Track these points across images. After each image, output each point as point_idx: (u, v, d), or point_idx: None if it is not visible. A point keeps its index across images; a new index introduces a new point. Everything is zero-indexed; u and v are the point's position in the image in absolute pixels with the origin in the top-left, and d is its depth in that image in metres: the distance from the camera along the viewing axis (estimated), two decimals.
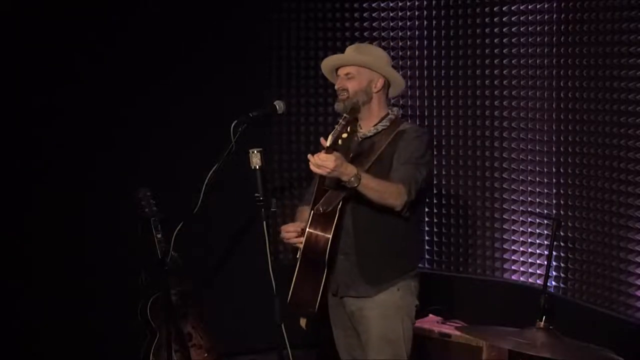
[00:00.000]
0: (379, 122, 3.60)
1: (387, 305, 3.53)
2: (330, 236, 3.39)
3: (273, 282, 3.44)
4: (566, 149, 4.49)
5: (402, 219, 3.50)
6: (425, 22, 5.16)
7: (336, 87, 3.62)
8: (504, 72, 4.81)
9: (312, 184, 3.77)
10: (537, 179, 4.71)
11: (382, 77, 3.60)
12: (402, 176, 3.44)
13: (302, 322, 3.69)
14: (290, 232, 3.55)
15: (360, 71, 3.58)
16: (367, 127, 3.60)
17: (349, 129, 3.27)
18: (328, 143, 3.21)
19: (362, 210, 3.48)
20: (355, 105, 3.54)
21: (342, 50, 3.80)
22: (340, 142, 3.23)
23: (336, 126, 3.28)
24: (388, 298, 3.53)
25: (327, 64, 3.69)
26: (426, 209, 5.15)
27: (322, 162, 3.20)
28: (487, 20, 4.86)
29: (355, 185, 3.27)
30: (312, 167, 3.24)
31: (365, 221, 3.50)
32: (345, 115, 3.29)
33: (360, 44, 3.89)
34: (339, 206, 3.43)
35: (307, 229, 3.42)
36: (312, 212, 3.44)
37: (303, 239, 3.44)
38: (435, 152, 5.13)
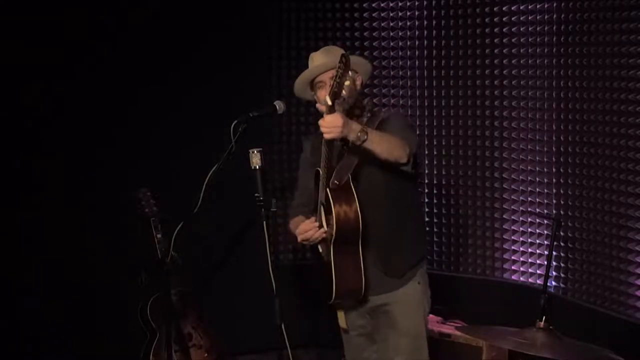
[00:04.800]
0: (362, 116, 3.54)
1: (410, 300, 3.55)
2: (357, 205, 3.34)
3: (273, 282, 3.44)
4: (566, 149, 4.49)
5: (406, 208, 3.50)
6: (425, 22, 5.16)
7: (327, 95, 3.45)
8: (504, 72, 4.81)
9: (297, 194, 3.76)
10: (537, 179, 4.71)
11: (358, 74, 3.51)
12: (400, 134, 3.38)
13: (341, 322, 3.66)
14: (309, 230, 3.45)
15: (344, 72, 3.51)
16: None
17: (342, 80, 3.12)
18: (329, 102, 3.12)
19: (367, 203, 3.43)
20: (351, 107, 3.43)
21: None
22: (342, 96, 3.11)
23: (330, 82, 3.16)
24: (410, 292, 3.55)
25: (311, 73, 3.53)
26: (426, 209, 5.15)
27: (331, 124, 3.12)
28: (487, 20, 4.86)
29: (365, 138, 3.18)
30: (325, 135, 3.15)
31: (372, 213, 3.45)
32: (339, 64, 3.10)
33: (324, 48, 3.73)
34: (350, 177, 3.37)
35: (333, 209, 3.32)
36: (327, 190, 3.34)
37: (333, 226, 3.33)
38: (435, 152, 5.14)
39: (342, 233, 3.36)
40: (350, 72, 3.16)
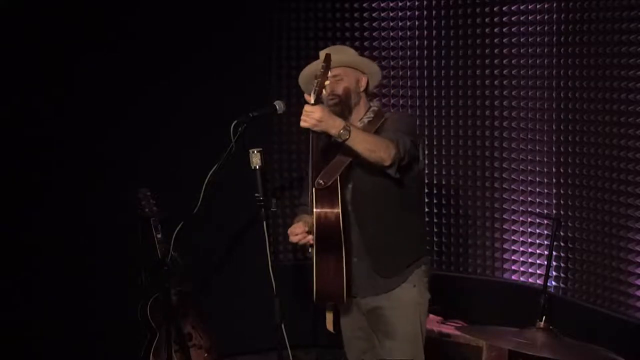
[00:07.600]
0: (364, 116, 3.55)
1: (405, 303, 3.50)
2: (339, 210, 3.29)
3: (273, 282, 3.44)
4: (566, 149, 4.49)
5: (402, 208, 3.46)
6: (425, 22, 5.16)
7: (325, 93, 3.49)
8: (504, 72, 4.82)
9: (305, 185, 3.74)
10: (537, 179, 4.71)
11: (364, 75, 3.56)
12: (390, 136, 3.35)
13: (329, 325, 3.64)
14: (298, 234, 3.49)
15: (347, 72, 3.52)
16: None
17: (323, 80, 3.18)
18: (312, 99, 3.16)
19: (362, 205, 3.44)
20: (349, 107, 3.49)
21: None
22: (324, 91, 3.18)
23: (314, 81, 3.21)
24: (405, 295, 3.50)
25: (310, 70, 3.55)
26: (426, 209, 5.15)
27: (309, 113, 3.14)
28: (487, 20, 4.86)
29: (347, 137, 3.17)
30: (302, 123, 3.17)
31: (368, 216, 3.46)
32: (322, 64, 3.18)
33: (332, 47, 3.79)
34: (338, 179, 3.35)
35: (315, 209, 3.31)
36: (313, 189, 3.33)
37: (314, 223, 3.32)
38: (435, 152, 5.14)
39: (321, 235, 3.33)
40: (351, 72, 3.25)
